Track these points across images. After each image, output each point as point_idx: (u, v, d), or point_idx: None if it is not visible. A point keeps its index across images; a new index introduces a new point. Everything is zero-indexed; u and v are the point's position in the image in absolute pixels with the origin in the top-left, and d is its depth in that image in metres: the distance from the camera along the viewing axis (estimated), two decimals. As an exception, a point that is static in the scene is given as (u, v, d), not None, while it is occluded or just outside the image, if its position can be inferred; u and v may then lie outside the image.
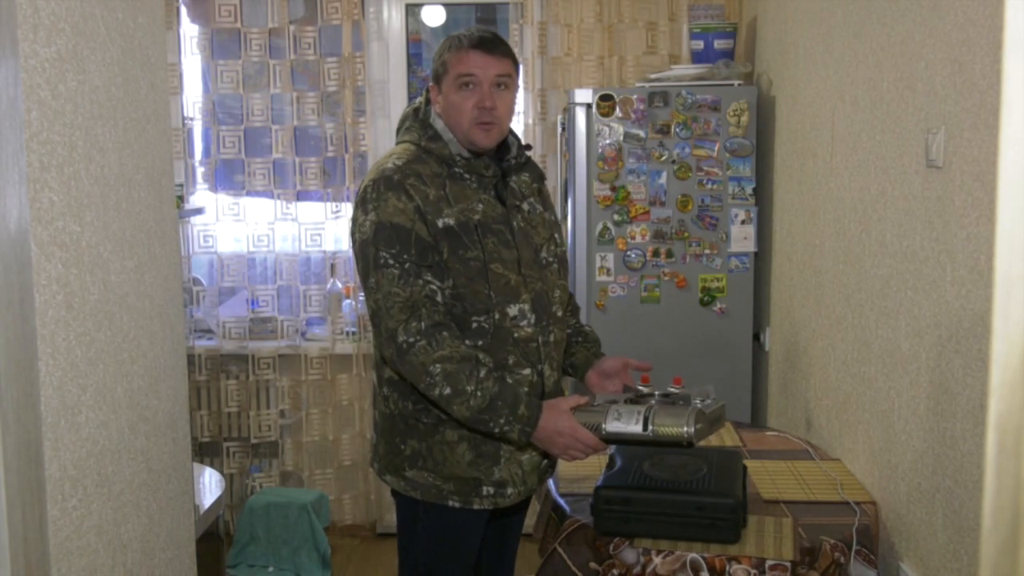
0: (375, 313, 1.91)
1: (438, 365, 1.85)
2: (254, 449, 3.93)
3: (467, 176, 1.98)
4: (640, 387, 2.54)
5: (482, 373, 1.87)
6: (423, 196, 1.91)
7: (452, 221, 1.92)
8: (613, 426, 1.91)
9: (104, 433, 1.56)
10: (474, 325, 1.93)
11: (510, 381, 1.91)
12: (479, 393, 1.86)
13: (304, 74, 3.87)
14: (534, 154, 3.70)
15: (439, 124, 2.01)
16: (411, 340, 1.86)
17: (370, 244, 1.90)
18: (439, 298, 1.90)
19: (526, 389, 1.92)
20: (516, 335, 1.96)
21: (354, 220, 1.97)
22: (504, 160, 2.06)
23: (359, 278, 1.99)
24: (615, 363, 2.15)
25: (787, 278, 3.07)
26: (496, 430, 1.89)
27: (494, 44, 1.97)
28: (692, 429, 1.87)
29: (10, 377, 1.25)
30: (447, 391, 1.86)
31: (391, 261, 1.88)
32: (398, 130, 2.10)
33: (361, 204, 1.94)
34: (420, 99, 2.07)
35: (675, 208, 3.26)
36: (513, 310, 1.96)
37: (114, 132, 1.62)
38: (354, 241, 1.98)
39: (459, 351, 1.86)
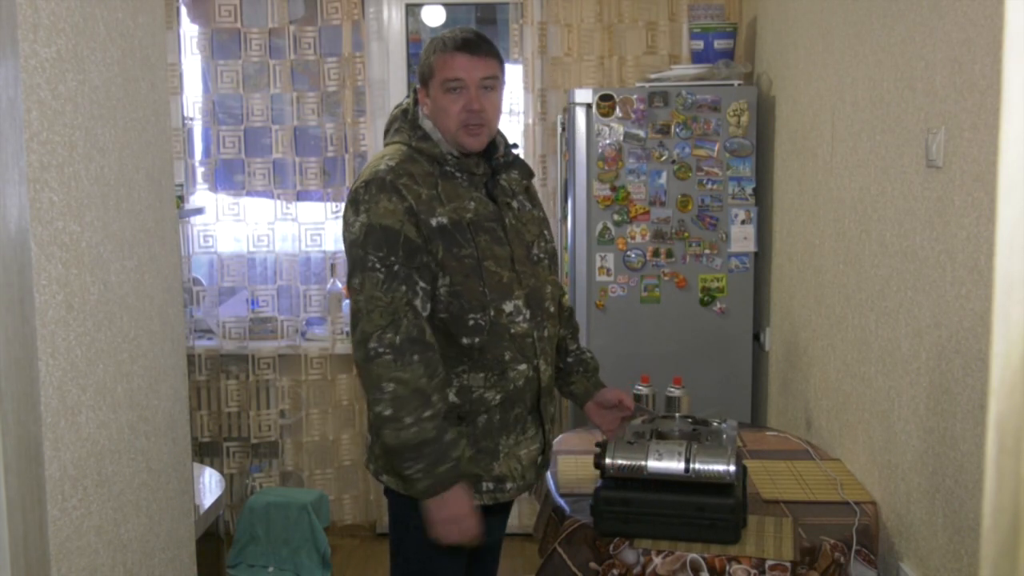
0: (355, 313, 1.92)
1: (391, 384, 1.85)
2: (254, 449, 3.93)
3: (458, 175, 1.99)
4: (640, 387, 2.55)
5: (426, 413, 1.85)
6: (416, 196, 1.91)
7: (446, 220, 1.93)
8: (655, 466, 1.92)
9: (104, 433, 1.56)
10: (471, 322, 1.94)
11: (448, 438, 1.88)
12: (413, 429, 1.85)
13: (304, 74, 3.87)
14: (534, 154, 3.72)
15: (428, 125, 2.01)
16: (380, 350, 1.86)
17: (359, 246, 1.91)
18: (418, 303, 1.90)
19: (457, 454, 1.89)
20: (512, 331, 1.98)
21: (345, 220, 1.98)
22: (492, 158, 2.07)
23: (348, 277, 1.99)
24: (613, 395, 2.21)
25: (787, 278, 3.07)
26: (409, 471, 1.87)
27: (479, 46, 1.96)
28: (734, 467, 1.89)
29: (10, 377, 1.25)
30: (388, 412, 1.85)
31: (377, 265, 1.88)
32: (387, 131, 2.11)
33: (353, 205, 1.94)
34: (408, 100, 2.07)
35: (675, 208, 3.26)
36: (508, 306, 1.97)
37: (114, 132, 1.62)
38: (344, 240, 1.99)
39: (418, 382, 1.85)
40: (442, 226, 1.92)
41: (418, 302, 1.90)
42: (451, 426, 1.92)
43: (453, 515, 1.90)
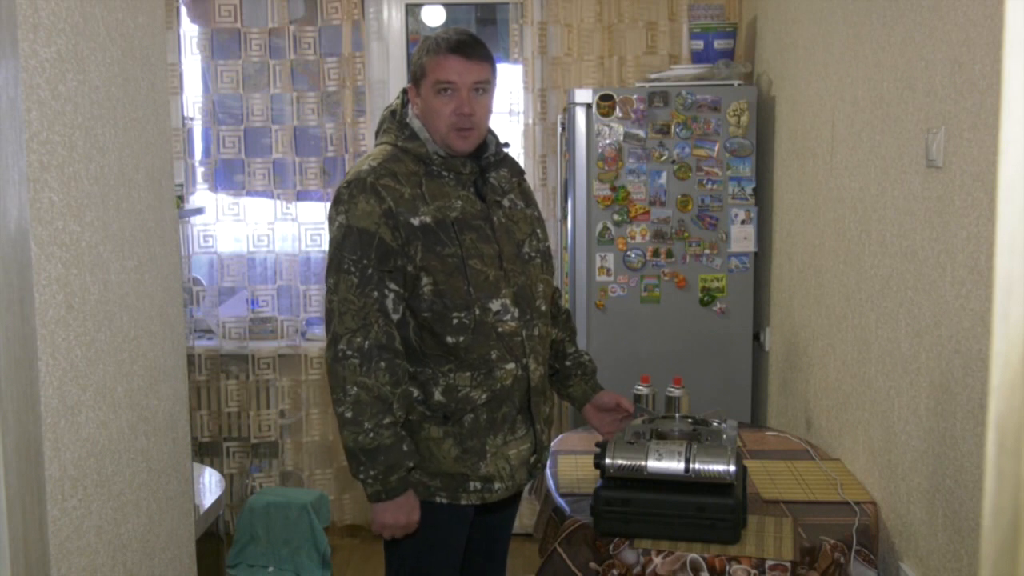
0: (328, 313, 1.94)
1: (355, 388, 1.88)
2: (254, 449, 3.93)
3: (445, 174, 2.00)
4: (640, 387, 2.56)
5: (386, 420, 1.89)
6: (397, 196, 1.92)
7: (429, 219, 1.93)
8: (655, 466, 1.93)
9: (104, 433, 1.56)
10: (455, 321, 1.94)
11: (405, 449, 1.92)
12: (371, 434, 1.88)
13: (304, 74, 3.87)
14: (534, 154, 3.72)
15: (416, 124, 2.02)
16: (348, 353, 1.89)
17: (336, 247, 1.93)
18: (389, 305, 1.91)
19: (411, 464, 1.93)
20: (500, 329, 1.97)
21: (328, 217, 2.01)
22: (482, 157, 2.06)
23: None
24: (610, 399, 2.22)
25: (787, 278, 3.07)
26: (360, 475, 1.91)
27: (472, 49, 1.96)
28: (733, 468, 1.90)
29: (10, 377, 1.25)
30: (348, 414, 1.89)
31: (352, 268, 1.90)
32: (377, 132, 2.12)
33: (335, 204, 1.97)
34: (397, 100, 2.08)
35: (675, 208, 3.26)
36: (495, 305, 1.97)
37: (114, 132, 1.62)
38: (328, 235, 2.02)
39: (381, 389, 1.88)
40: (425, 225, 1.93)
41: (389, 304, 1.92)
42: (400, 434, 1.93)
43: (398, 523, 1.94)
